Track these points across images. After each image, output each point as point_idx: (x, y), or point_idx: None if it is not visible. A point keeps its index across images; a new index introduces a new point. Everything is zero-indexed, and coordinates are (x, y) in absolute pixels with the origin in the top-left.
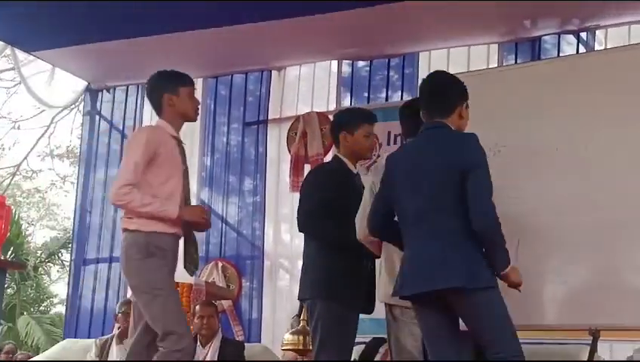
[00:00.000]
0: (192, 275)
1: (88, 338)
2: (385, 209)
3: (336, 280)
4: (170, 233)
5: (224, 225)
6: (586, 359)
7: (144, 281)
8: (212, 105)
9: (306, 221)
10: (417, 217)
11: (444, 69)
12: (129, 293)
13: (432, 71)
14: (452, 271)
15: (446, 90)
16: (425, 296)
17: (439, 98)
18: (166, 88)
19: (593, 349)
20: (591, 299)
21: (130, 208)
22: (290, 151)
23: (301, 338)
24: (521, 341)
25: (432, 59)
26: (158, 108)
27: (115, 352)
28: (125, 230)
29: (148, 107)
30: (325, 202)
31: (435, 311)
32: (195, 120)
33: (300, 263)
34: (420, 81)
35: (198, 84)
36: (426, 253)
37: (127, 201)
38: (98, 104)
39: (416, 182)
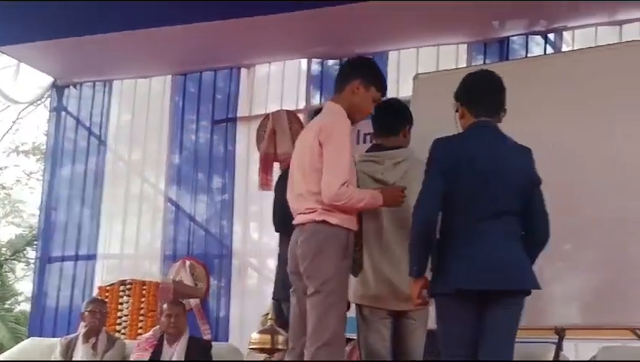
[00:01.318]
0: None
1: (53, 337)
2: (441, 197)
3: None
4: (356, 231)
5: (192, 223)
6: (551, 358)
7: (336, 282)
8: (181, 103)
9: (284, 220)
10: (494, 214)
11: (414, 68)
12: (95, 291)
13: (400, 70)
14: (530, 273)
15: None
16: (486, 293)
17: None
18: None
19: (559, 348)
20: (557, 298)
21: (349, 206)
22: (259, 150)
23: (269, 337)
24: None
25: (402, 59)
26: (342, 90)
27: (80, 351)
28: (323, 222)
29: (115, 104)
30: None
31: (476, 309)
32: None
33: (270, 262)
34: (389, 80)
35: (167, 81)
36: (506, 251)
37: (347, 200)
38: (65, 100)
39: (502, 180)
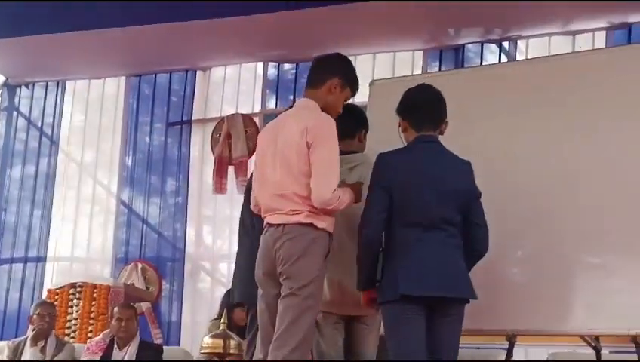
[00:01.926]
0: None
1: (1, 340)
2: (387, 213)
3: None
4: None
5: (145, 225)
6: None
7: (315, 286)
8: (135, 105)
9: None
10: (435, 225)
11: (370, 74)
12: (44, 294)
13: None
14: (468, 282)
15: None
16: (431, 299)
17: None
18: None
19: (509, 354)
20: (507, 304)
21: (337, 209)
22: (213, 153)
23: (221, 342)
24: None
25: (358, 64)
26: (319, 87)
27: (28, 355)
28: (310, 225)
29: (68, 104)
30: None
31: (423, 316)
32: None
33: (222, 265)
34: None
35: (121, 82)
36: (447, 260)
37: (338, 204)
38: (16, 100)
39: (442, 192)
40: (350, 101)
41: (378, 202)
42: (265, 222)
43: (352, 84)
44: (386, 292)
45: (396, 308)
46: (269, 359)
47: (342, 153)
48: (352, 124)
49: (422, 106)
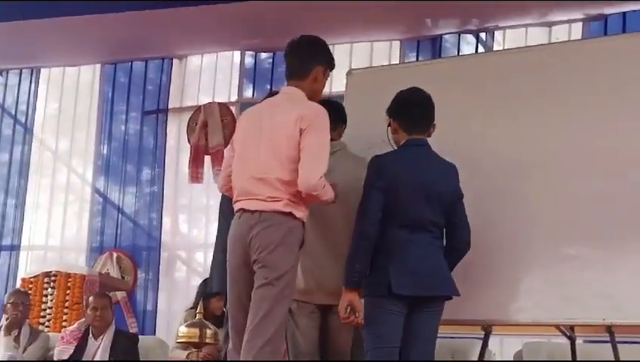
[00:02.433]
0: None
1: None
2: (379, 217)
3: None
4: None
5: (120, 214)
6: (477, 353)
7: (291, 276)
8: (110, 93)
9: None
10: (423, 226)
11: (347, 64)
12: (18, 283)
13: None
14: (451, 280)
15: None
16: (417, 298)
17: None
18: (322, 61)
19: (485, 344)
20: (484, 294)
21: (317, 198)
22: (190, 142)
23: (197, 331)
24: None
25: (335, 54)
26: (305, 78)
27: (2, 343)
28: (289, 214)
29: (42, 92)
30: None
31: (405, 313)
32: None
33: (198, 255)
34: None
35: (96, 70)
36: (433, 260)
37: (322, 193)
38: None
39: (431, 195)
40: (328, 91)
41: (375, 201)
42: (237, 207)
43: (332, 67)
44: (375, 288)
45: (383, 302)
46: (243, 350)
47: None
48: (334, 118)
49: (414, 110)
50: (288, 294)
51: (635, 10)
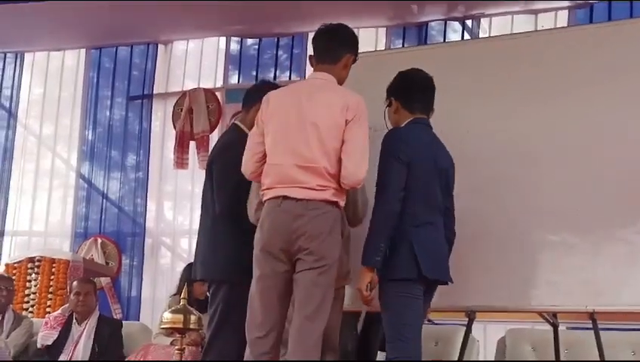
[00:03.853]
0: None
1: None
2: (402, 193)
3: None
4: None
5: (105, 200)
6: (461, 339)
7: (335, 264)
8: (95, 78)
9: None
10: (439, 209)
11: None
12: (2, 268)
13: None
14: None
15: None
16: (432, 283)
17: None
18: (352, 49)
19: (468, 330)
20: (467, 281)
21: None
22: (175, 128)
23: (181, 317)
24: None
25: None
26: (336, 63)
27: None
28: (335, 203)
29: (27, 76)
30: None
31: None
32: None
33: (183, 241)
34: (307, 62)
35: (81, 54)
36: (444, 244)
37: (363, 183)
38: None
39: (442, 178)
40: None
41: (399, 175)
42: (276, 193)
43: (357, 57)
44: (403, 270)
45: (409, 286)
46: (299, 332)
47: None
48: None
49: (419, 90)
50: (334, 283)
51: None
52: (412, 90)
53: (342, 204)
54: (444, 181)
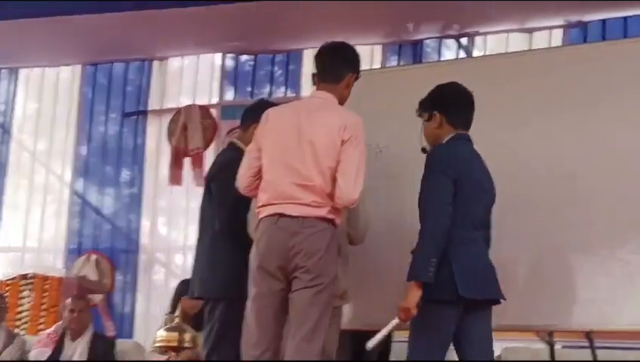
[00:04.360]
0: None
1: None
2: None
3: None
4: None
5: (99, 216)
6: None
7: (332, 282)
8: (90, 94)
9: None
10: (481, 225)
11: None
12: None
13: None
14: (498, 283)
15: None
16: (474, 302)
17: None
18: (354, 68)
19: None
20: None
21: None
22: (170, 144)
23: (176, 335)
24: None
25: None
26: (338, 82)
27: None
28: (331, 221)
29: (21, 92)
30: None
31: (459, 317)
32: None
33: (177, 257)
34: (304, 79)
35: (76, 71)
36: (488, 260)
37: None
38: None
39: (484, 193)
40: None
41: (447, 191)
42: (272, 211)
43: (359, 76)
44: (438, 290)
45: (443, 308)
46: (295, 351)
47: None
48: None
49: (465, 105)
50: (331, 302)
51: (614, 18)
52: (458, 105)
53: (338, 221)
54: (486, 199)
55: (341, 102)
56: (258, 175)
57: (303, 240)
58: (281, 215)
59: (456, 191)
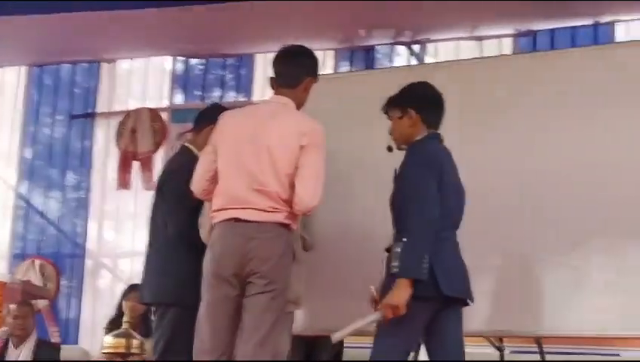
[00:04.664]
0: None
1: None
2: None
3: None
4: None
5: (44, 220)
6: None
7: (286, 287)
8: (36, 96)
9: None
10: (456, 225)
11: None
12: None
13: (267, 73)
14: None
15: None
16: (447, 300)
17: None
18: (312, 72)
19: (416, 354)
20: None
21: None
22: (118, 147)
23: (124, 341)
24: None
25: (269, 62)
26: (296, 86)
27: None
28: (288, 226)
29: None
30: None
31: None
32: None
33: (124, 262)
34: (256, 83)
35: (21, 72)
36: (462, 261)
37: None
38: None
39: (457, 192)
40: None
41: (434, 187)
42: (228, 216)
43: (317, 79)
44: (424, 287)
45: (423, 306)
46: (251, 357)
47: None
48: None
49: (439, 104)
50: (284, 307)
51: (562, 28)
52: (434, 105)
53: (294, 227)
54: (462, 200)
55: (299, 106)
56: (214, 179)
57: (259, 246)
58: (237, 219)
59: (438, 189)
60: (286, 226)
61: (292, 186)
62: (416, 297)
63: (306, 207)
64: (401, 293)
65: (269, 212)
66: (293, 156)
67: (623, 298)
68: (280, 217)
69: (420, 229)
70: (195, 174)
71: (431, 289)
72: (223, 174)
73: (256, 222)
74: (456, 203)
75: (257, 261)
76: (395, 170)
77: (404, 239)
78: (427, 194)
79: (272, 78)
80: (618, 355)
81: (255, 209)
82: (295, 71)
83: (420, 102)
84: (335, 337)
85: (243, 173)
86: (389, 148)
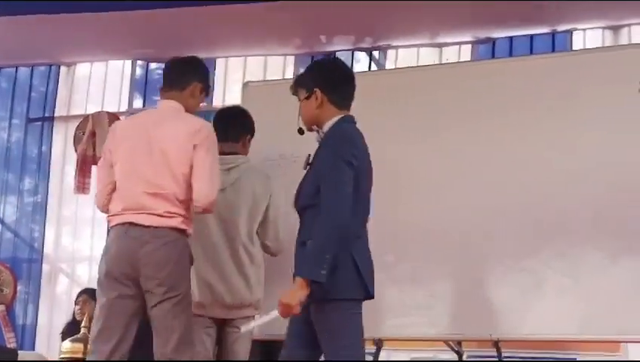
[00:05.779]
0: None
1: None
2: None
3: None
4: None
5: (0, 225)
6: None
7: (188, 291)
8: None
9: None
10: (367, 219)
11: (241, 77)
12: None
13: (227, 77)
14: None
15: None
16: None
17: None
18: (201, 79)
19: (376, 358)
20: (374, 310)
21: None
22: (76, 151)
23: (82, 346)
24: None
25: (229, 66)
26: (182, 90)
27: None
28: (183, 231)
29: None
30: None
31: None
32: None
33: (81, 267)
34: (217, 87)
35: None
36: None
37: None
38: None
39: (371, 185)
40: (222, 104)
41: (350, 181)
42: (122, 220)
43: (208, 89)
44: (354, 290)
45: (358, 307)
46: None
47: (223, 154)
48: (237, 127)
49: (349, 82)
50: (191, 312)
51: (521, 35)
52: (342, 84)
53: (190, 232)
54: (370, 186)
55: (188, 110)
56: (114, 191)
57: (154, 251)
58: (132, 224)
59: (355, 183)
60: (182, 231)
61: (189, 186)
62: (348, 299)
63: (206, 202)
64: (296, 293)
65: (164, 217)
66: (188, 155)
67: (581, 302)
68: (175, 222)
69: (327, 229)
70: (97, 190)
71: (359, 290)
72: (120, 181)
73: (151, 226)
74: (368, 196)
75: (153, 267)
76: (309, 156)
77: (311, 240)
78: (344, 188)
79: (159, 87)
80: (575, 359)
81: (150, 213)
82: (182, 76)
83: (326, 81)
84: (242, 329)
85: (138, 178)
86: (300, 131)
